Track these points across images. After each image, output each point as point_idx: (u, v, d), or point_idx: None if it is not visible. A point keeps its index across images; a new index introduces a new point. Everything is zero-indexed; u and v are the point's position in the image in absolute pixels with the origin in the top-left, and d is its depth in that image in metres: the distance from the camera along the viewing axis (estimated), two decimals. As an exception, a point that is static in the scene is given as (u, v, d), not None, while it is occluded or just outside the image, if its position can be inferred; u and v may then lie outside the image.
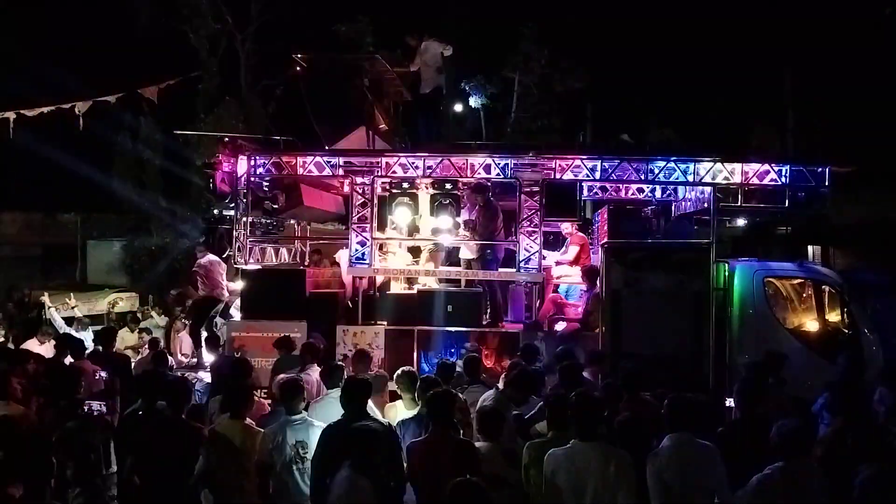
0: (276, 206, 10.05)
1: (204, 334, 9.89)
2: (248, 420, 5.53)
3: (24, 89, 15.58)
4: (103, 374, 7.53)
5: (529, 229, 9.05)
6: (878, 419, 6.01)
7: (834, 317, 8.90)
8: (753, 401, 5.38)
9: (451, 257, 10.13)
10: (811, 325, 8.91)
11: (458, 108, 20.09)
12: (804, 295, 9.22)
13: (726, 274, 8.83)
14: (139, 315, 14.01)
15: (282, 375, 6.79)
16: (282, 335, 8.31)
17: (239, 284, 9.85)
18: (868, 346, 8.42)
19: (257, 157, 9.53)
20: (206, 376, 9.00)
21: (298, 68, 10.73)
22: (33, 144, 17.01)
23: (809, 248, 16.81)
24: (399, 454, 4.92)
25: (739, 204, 9.28)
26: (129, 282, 20.11)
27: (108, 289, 18.27)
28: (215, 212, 10.14)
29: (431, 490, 4.48)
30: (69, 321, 11.60)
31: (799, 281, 9.22)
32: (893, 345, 8.58)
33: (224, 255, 10.30)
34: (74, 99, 14.07)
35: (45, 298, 11.88)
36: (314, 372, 7.19)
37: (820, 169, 8.95)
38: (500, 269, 9.44)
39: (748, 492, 4.42)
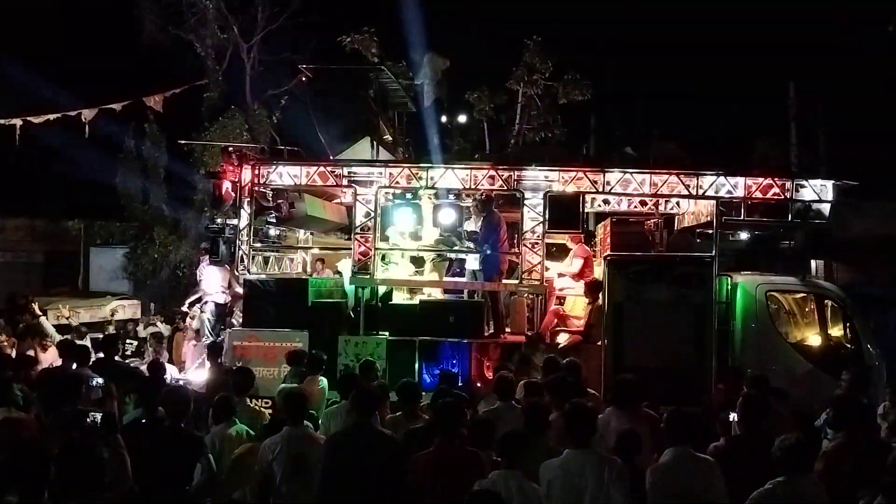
0: (279, 216, 10.07)
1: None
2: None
3: (31, 97, 15.66)
4: (100, 380, 7.50)
5: (532, 241, 9.06)
6: (881, 434, 5.99)
7: (837, 331, 8.88)
8: (758, 416, 5.35)
9: (454, 268, 10.14)
10: (814, 339, 8.89)
11: (462, 119, 20.16)
12: (807, 309, 9.20)
13: (729, 287, 8.83)
14: (139, 326, 14.00)
15: (283, 386, 6.80)
16: (292, 348, 8.24)
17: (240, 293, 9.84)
18: (871, 360, 8.40)
19: (261, 167, 9.56)
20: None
21: (304, 79, 10.80)
22: (39, 151, 17.08)
23: (812, 262, 16.77)
24: (402, 465, 4.90)
25: (742, 218, 9.28)
26: (132, 289, 20.11)
27: (111, 296, 18.26)
28: (218, 220, 10.15)
29: (440, 500, 4.46)
30: (64, 330, 11.55)
31: (802, 295, 9.21)
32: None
33: (227, 264, 10.31)
34: (80, 106, 14.14)
35: (34, 307, 11.81)
36: (317, 383, 7.20)
37: (823, 183, 8.97)
38: (503, 281, 9.45)
39: (749, 507, 4.40)
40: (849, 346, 8.67)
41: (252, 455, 5.29)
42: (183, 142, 17.31)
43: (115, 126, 17.62)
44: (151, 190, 20.92)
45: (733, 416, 6.32)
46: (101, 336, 10.74)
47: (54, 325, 11.53)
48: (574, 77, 18.91)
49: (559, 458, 4.42)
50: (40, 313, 11.44)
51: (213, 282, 10.34)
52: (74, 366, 7.77)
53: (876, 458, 4.56)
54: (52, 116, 13.98)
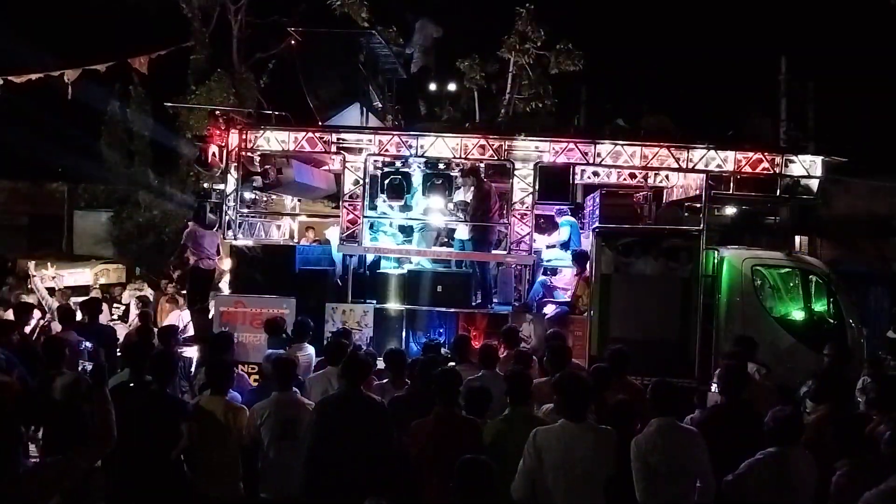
0: (266, 182, 9.96)
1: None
2: (230, 396, 5.53)
3: (13, 56, 15.31)
4: (88, 344, 7.52)
5: (521, 212, 9.05)
6: (860, 407, 6.10)
7: (820, 307, 8.98)
8: (738, 386, 5.43)
9: (443, 237, 10.12)
10: (797, 314, 9.00)
11: (452, 87, 19.94)
12: (791, 284, 9.29)
13: (715, 261, 8.89)
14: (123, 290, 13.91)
15: (270, 351, 6.81)
16: (271, 317, 8.12)
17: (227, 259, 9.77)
18: (852, 335, 8.53)
19: (249, 132, 9.44)
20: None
21: (293, 42, 10.61)
22: (21, 112, 16.76)
23: (797, 238, 16.91)
24: (392, 430, 4.94)
25: (731, 192, 9.31)
26: (116, 253, 19.95)
27: (95, 260, 18.10)
28: (205, 185, 10.01)
29: (439, 467, 4.48)
30: (51, 291, 11.49)
31: (787, 270, 9.29)
32: (877, 334, 8.68)
33: (213, 230, 10.21)
34: (63, 67, 13.84)
35: (31, 267, 11.72)
36: (305, 350, 7.22)
37: (812, 159, 9.00)
38: (492, 251, 9.45)
39: (739, 475, 4.48)
40: (832, 321, 8.77)
41: (234, 420, 5.30)
42: (169, 104, 17.02)
43: (99, 87, 17.29)
44: (136, 153, 20.66)
45: (714, 388, 6.42)
46: (83, 299, 10.66)
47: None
48: (566, 47, 18.70)
49: (554, 427, 4.45)
50: (35, 274, 11.34)
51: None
52: (60, 328, 7.77)
53: (856, 430, 4.65)
54: (34, 76, 13.66)
